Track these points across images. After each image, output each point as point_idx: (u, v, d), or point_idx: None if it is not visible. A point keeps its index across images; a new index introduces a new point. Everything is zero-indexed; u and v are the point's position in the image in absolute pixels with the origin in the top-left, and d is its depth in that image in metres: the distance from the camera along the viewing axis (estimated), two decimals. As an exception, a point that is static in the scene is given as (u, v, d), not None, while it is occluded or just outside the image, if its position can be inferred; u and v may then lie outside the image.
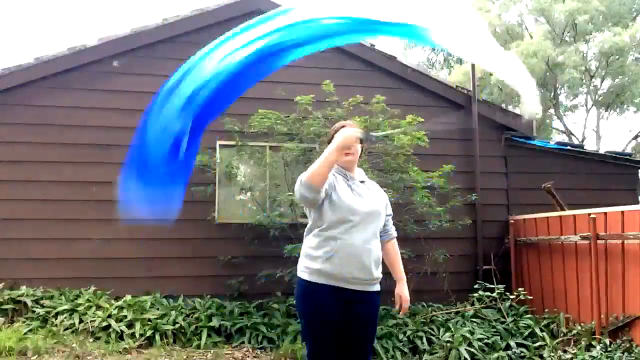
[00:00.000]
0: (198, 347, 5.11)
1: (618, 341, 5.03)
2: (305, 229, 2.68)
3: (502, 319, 5.70)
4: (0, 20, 30.14)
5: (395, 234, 2.86)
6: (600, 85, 16.91)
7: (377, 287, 2.65)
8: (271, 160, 6.23)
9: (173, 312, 5.41)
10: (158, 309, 5.49)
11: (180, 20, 6.49)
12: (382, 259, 2.74)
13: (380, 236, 2.73)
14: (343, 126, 2.69)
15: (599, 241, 5.33)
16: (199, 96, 2.12)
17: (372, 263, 2.56)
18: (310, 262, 2.56)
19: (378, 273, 2.62)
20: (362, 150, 2.80)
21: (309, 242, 2.60)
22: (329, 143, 2.70)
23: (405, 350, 5.12)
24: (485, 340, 5.23)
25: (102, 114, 6.20)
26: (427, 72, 7.84)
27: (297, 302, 2.69)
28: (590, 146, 14.60)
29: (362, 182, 2.72)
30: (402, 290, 2.77)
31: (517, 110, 16.43)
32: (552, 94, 16.84)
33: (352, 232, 2.52)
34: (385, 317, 5.43)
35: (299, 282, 2.61)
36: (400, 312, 2.81)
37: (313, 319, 2.56)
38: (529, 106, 2.22)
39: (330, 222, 2.53)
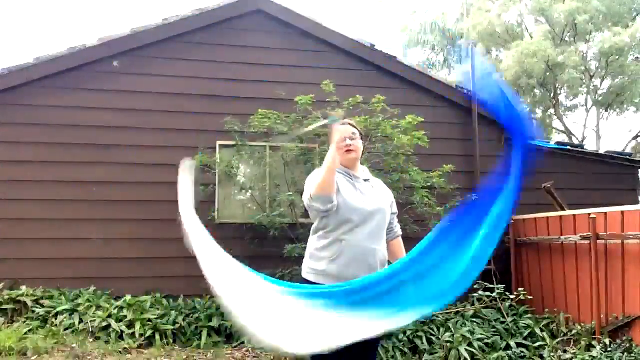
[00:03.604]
0: (198, 347, 5.11)
1: (618, 341, 5.03)
2: (311, 230, 2.62)
3: (502, 319, 5.70)
4: (0, 20, 30.14)
5: (400, 232, 2.81)
6: (600, 85, 16.89)
7: None
8: (271, 160, 6.24)
9: (173, 312, 5.41)
10: (158, 309, 5.49)
11: (180, 20, 6.50)
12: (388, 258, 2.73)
13: (386, 235, 2.69)
14: (343, 124, 2.66)
15: (599, 241, 5.33)
16: None
17: (377, 264, 2.50)
18: (316, 264, 2.51)
19: None
20: (364, 147, 2.77)
21: (314, 244, 2.55)
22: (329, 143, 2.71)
23: (405, 350, 5.12)
24: (485, 340, 5.23)
25: (102, 114, 6.20)
26: (427, 72, 7.83)
27: None
28: (590, 146, 14.59)
29: (366, 180, 2.67)
30: None
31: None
32: (552, 94, 16.84)
33: (357, 233, 2.47)
34: (385, 317, 5.42)
35: (304, 282, 2.55)
36: None
37: None
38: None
39: (334, 224, 2.48)
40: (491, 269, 6.62)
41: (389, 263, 2.67)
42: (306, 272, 2.55)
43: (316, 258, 2.52)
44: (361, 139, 2.71)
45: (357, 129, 2.69)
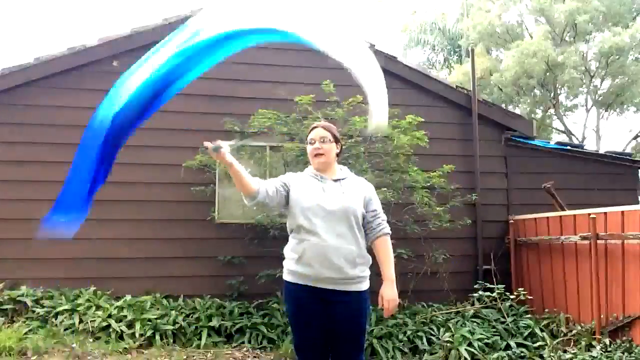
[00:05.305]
0: (198, 347, 5.11)
1: (618, 341, 5.04)
2: None
3: (502, 319, 5.70)
4: (0, 20, 30.14)
5: (385, 230, 2.70)
6: (600, 85, 16.88)
7: (358, 287, 2.61)
8: (271, 160, 6.23)
9: (173, 312, 5.41)
10: (158, 309, 5.49)
11: (181, 19, 6.47)
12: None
13: (366, 234, 2.69)
14: (315, 127, 2.78)
15: (599, 241, 5.33)
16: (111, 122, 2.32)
17: (343, 262, 2.53)
18: (287, 263, 2.67)
19: (356, 272, 2.58)
20: (340, 150, 2.82)
21: (287, 245, 2.71)
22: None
23: (405, 350, 5.12)
24: (485, 340, 5.23)
25: (102, 114, 6.19)
26: (427, 72, 7.83)
27: (284, 301, 2.78)
28: (590, 146, 14.56)
29: (337, 180, 2.71)
30: (384, 290, 2.61)
31: (517, 111, 16.36)
32: (552, 94, 16.83)
33: (319, 232, 2.54)
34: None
35: (283, 282, 2.71)
36: (385, 314, 2.69)
37: (294, 317, 2.66)
38: (377, 116, 2.32)
39: (296, 225, 2.61)
40: (491, 269, 6.63)
41: (374, 262, 2.70)
42: (284, 272, 2.70)
43: (288, 258, 2.67)
44: (337, 141, 2.78)
45: (329, 132, 2.75)
